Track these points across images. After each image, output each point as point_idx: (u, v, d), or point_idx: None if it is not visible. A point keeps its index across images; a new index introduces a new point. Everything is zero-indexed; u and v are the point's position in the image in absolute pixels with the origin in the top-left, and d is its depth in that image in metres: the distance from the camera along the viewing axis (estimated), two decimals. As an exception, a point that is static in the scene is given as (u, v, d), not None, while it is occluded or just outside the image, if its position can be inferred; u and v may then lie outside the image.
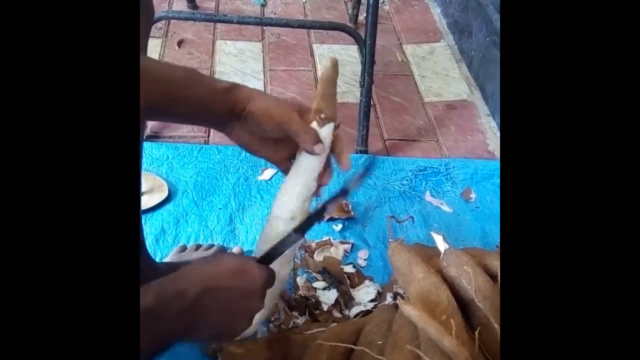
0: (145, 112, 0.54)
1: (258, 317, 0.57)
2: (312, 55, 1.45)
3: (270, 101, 0.56)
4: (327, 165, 0.61)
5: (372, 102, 1.21)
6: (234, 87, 0.56)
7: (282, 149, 0.59)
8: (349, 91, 1.33)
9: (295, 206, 0.60)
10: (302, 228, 0.58)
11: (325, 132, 0.57)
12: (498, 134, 1.26)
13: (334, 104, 0.59)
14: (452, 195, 1.09)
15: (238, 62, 1.39)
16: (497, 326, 0.62)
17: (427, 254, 0.79)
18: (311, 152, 0.56)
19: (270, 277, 0.55)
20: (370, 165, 0.61)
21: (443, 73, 1.45)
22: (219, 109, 0.54)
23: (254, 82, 1.33)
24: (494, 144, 1.24)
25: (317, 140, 0.56)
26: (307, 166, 0.59)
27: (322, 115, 0.57)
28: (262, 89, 1.32)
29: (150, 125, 1.16)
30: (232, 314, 0.52)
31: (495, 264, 0.74)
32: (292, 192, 0.60)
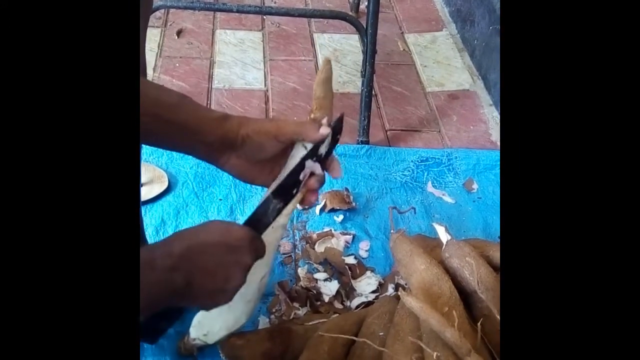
0: None
1: (256, 279, 0.57)
2: (313, 44, 1.43)
3: (262, 121, 0.58)
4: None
5: (373, 92, 1.20)
6: (226, 116, 0.57)
7: (277, 173, 0.60)
8: (350, 81, 1.32)
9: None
10: (280, 191, 0.58)
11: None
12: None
13: (330, 103, 0.60)
14: (454, 186, 1.09)
15: (238, 52, 1.38)
16: (499, 317, 0.61)
17: (429, 245, 0.78)
18: (319, 138, 0.56)
19: (256, 237, 0.55)
20: (337, 126, 0.61)
21: (445, 62, 1.43)
22: (211, 137, 0.55)
23: (254, 71, 1.32)
24: (497, 134, 1.23)
25: (319, 127, 0.56)
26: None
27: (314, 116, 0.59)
28: (262, 78, 1.31)
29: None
30: (222, 268, 0.51)
31: (498, 255, 0.73)
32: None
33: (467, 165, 1.12)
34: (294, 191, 0.59)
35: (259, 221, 0.57)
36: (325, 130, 0.56)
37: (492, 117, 1.28)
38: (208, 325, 0.67)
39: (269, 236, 0.58)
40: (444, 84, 1.36)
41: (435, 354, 0.55)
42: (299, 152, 0.59)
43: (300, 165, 0.58)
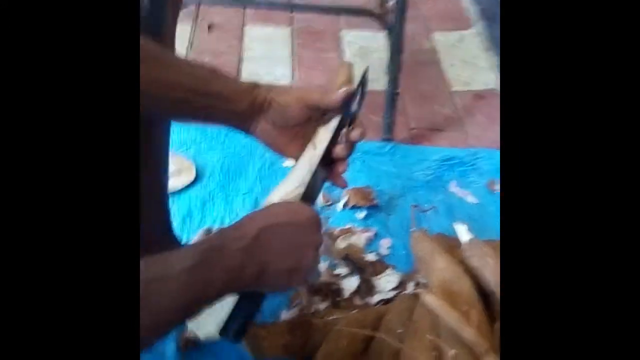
0: (170, 109, 0.56)
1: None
2: (340, 41, 1.44)
3: (289, 88, 0.61)
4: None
5: (398, 90, 1.21)
6: (256, 84, 0.59)
7: (305, 143, 0.61)
8: (375, 79, 1.31)
9: (302, 176, 0.60)
10: (325, 161, 0.59)
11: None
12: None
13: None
14: (477, 186, 1.09)
15: (266, 48, 1.40)
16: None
17: (450, 245, 0.79)
18: (340, 99, 0.57)
19: (317, 214, 0.56)
20: (364, 80, 0.62)
21: (472, 61, 1.42)
22: (242, 104, 0.57)
23: (281, 67, 1.34)
24: (522, 135, 1.22)
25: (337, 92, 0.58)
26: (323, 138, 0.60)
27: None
28: (289, 74, 1.32)
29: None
30: (295, 248, 0.52)
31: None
32: (301, 166, 0.60)
33: (490, 166, 1.11)
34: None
35: (312, 195, 0.58)
36: (344, 91, 0.57)
37: (518, 117, 1.27)
38: (205, 323, 0.68)
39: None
40: (470, 83, 1.36)
41: (452, 351, 0.56)
42: (333, 122, 0.60)
43: (338, 132, 0.59)
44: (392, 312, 0.73)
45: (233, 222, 0.52)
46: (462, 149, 1.15)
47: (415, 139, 1.20)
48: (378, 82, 1.31)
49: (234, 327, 0.52)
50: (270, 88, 0.59)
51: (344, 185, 0.65)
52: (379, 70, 1.35)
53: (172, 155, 1.04)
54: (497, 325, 0.62)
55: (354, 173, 1.08)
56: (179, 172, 1.02)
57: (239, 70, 1.32)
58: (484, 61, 1.43)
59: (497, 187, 1.08)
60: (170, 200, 0.98)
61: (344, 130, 0.60)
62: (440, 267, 0.68)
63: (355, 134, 0.61)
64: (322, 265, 0.92)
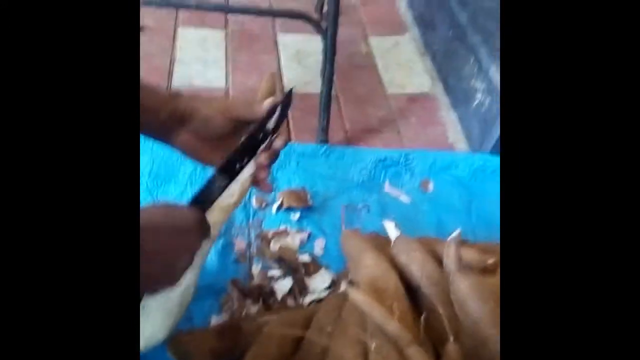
0: None
1: (179, 290, 0.57)
2: (276, 44, 1.44)
3: (213, 99, 0.58)
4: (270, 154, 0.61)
5: (335, 93, 1.21)
6: (177, 93, 0.57)
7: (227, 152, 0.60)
8: (311, 82, 1.32)
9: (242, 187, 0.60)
10: (224, 168, 0.58)
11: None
12: (458, 126, 1.28)
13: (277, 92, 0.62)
14: (410, 186, 1.10)
15: (200, 50, 1.37)
16: (441, 311, 0.62)
17: (381, 243, 0.79)
18: (262, 113, 0.57)
19: (202, 218, 0.54)
20: (287, 100, 0.61)
21: (407, 65, 1.45)
22: (161, 114, 0.55)
23: (216, 70, 1.31)
24: (454, 135, 1.25)
25: (262, 104, 0.57)
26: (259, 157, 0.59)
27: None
28: (223, 77, 1.30)
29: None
30: (167, 251, 0.50)
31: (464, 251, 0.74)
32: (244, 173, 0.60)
33: (423, 166, 1.13)
34: (238, 167, 0.59)
35: (203, 200, 0.57)
36: (267, 104, 0.57)
37: (449, 119, 1.30)
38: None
39: (211, 217, 0.58)
40: (404, 86, 1.38)
41: (373, 344, 0.56)
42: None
43: (246, 141, 0.58)
44: (322, 311, 0.72)
45: None
46: (396, 150, 1.16)
47: (351, 141, 1.20)
48: (314, 85, 1.31)
49: None
50: (193, 98, 0.57)
51: (268, 190, 0.64)
52: (315, 74, 1.35)
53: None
54: (423, 317, 0.63)
55: (288, 175, 1.07)
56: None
57: (170, 73, 1.29)
58: (418, 65, 1.46)
59: (430, 186, 1.10)
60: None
61: (268, 138, 0.59)
62: (368, 264, 0.68)
63: (278, 143, 0.61)
64: (255, 268, 0.90)
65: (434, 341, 0.64)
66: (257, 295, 0.85)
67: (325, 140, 1.15)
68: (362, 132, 1.23)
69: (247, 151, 0.59)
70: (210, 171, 0.60)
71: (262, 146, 0.59)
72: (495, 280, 0.64)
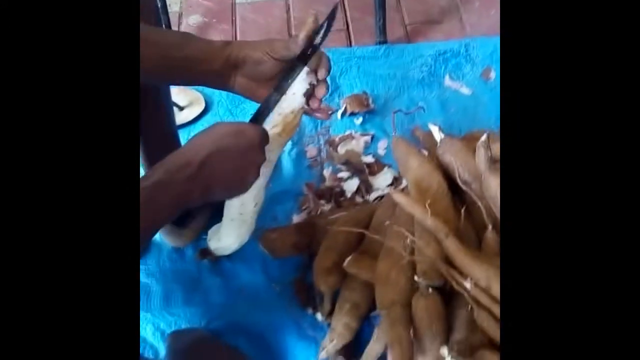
0: (147, 77, 0.61)
1: (265, 170, 0.66)
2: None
3: (258, 41, 0.65)
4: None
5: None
6: (227, 43, 0.64)
7: None
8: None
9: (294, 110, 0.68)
10: (280, 85, 0.65)
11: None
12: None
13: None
14: (471, 77, 1.12)
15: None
16: (480, 204, 0.71)
17: (432, 143, 0.86)
18: (300, 47, 0.62)
19: (264, 133, 0.63)
20: (331, 16, 0.66)
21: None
22: (216, 63, 0.63)
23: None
24: (520, 15, 1.21)
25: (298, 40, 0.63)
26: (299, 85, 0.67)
27: None
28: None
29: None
30: (238, 169, 0.59)
31: (493, 146, 0.80)
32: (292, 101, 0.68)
33: (484, 54, 1.13)
34: (290, 81, 0.65)
35: (262, 116, 0.66)
36: (302, 39, 0.62)
37: (516, -3, 1.24)
38: (219, 245, 0.79)
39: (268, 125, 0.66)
40: (467, -34, 1.32)
41: (409, 238, 0.67)
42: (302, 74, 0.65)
43: (292, 61, 0.64)
44: (380, 210, 0.83)
45: (180, 149, 0.59)
46: (455, 41, 1.16)
47: (411, 36, 1.22)
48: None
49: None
50: (242, 45, 0.64)
51: (326, 117, 0.73)
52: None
53: (183, 91, 1.13)
54: (463, 210, 0.72)
55: (350, 80, 1.14)
56: (190, 104, 1.12)
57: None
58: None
59: (492, 75, 1.11)
60: (187, 130, 1.10)
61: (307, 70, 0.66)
62: (414, 166, 0.77)
63: (320, 91, 0.67)
64: (326, 171, 1.02)
65: (476, 231, 0.73)
66: (329, 196, 0.98)
67: (384, 40, 1.18)
68: (423, 24, 1.24)
69: (297, 67, 0.66)
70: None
71: (303, 73, 0.66)
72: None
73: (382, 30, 1.17)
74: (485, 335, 0.63)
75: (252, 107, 1.12)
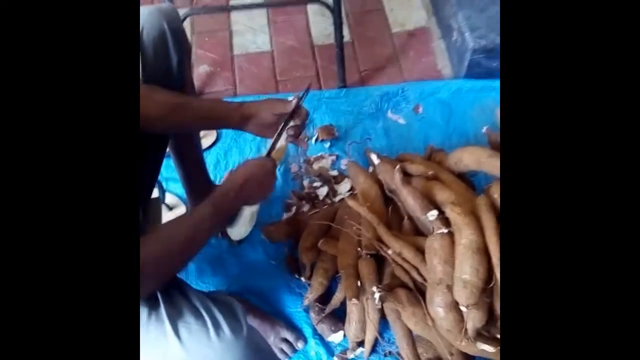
0: (191, 129, 1.01)
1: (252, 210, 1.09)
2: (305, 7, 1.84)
3: (262, 102, 1.04)
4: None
5: (351, 39, 1.65)
6: (242, 104, 1.06)
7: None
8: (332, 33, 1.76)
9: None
10: (279, 131, 1.03)
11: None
12: (445, 53, 1.68)
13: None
14: (406, 111, 1.57)
15: (248, 19, 1.82)
16: (400, 204, 1.16)
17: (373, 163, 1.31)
18: (291, 107, 1.00)
19: (274, 164, 0.97)
20: (303, 95, 1.03)
21: (407, 3, 1.82)
22: (234, 119, 1.02)
23: (262, 36, 1.77)
24: (442, 63, 1.67)
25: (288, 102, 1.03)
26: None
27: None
28: (268, 41, 1.77)
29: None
30: (263, 186, 0.93)
31: (411, 167, 1.25)
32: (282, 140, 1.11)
33: (415, 94, 1.59)
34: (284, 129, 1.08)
35: (270, 151, 1.08)
36: (294, 102, 1.00)
37: (440, 49, 1.70)
38: (234, 232, 1.19)
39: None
40: (405, 24, 1.77)
41: (357, 226, 1.12)
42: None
43: (286, 119, 1.04)
44: (341, 208, 1.28)
45: (231, 173, 0.93)
46: (395, 85, 1.61)
47: (364, 80, 1.66)
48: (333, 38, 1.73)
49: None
50: (251, 105, 1.02)
51: (304, 146, 1.16)
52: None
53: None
54: (390, 208, 1.17)
55: (321, 115, 1.58)
56: (205, 135, 1.55)
57: (231, 45, 1.77)
58: (417, 1, 1.81)
59: (420, 109, 1.56)
60: (205, 154, 1.52)
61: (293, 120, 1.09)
62: (360, 181, 1.22)
63: (300, 118, 1.10)
64: (305, 182, 1.46)
65: (398, 221, 1.19)
66: (308, 199, 1.43)
67: (344, 84, 1.62)
68: (372, 71, 1.68)
69: (289, 119, 1.08)
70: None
71: (291, 121, 1.09)
72: (431, 184, 1.15)
73: (342, 77, 1.61)
74: (399, 280, 1.09)
75: (249, 138, 1.56)
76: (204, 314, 0.75)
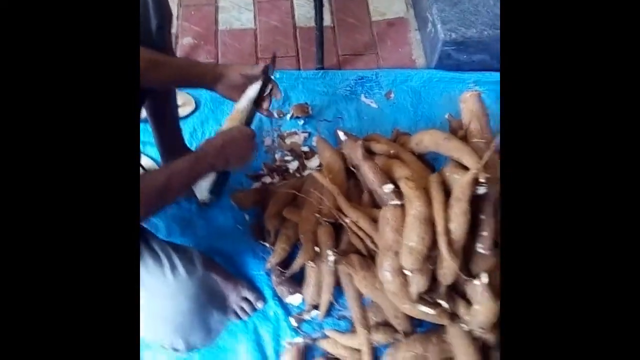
0: (167, 85, 1.08)
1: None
2: (290, -16, 1.91)
3: (231, 65, 1.11)
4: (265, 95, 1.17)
5: (333, 24, 1.72)
6: (216, 64, 1.12)
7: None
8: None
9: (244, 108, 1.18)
10: (255, 104, 1.13)
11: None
12: (420, 44, 1.76)
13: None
14: (379, 96, 1.65)
15: (235, -3, 1.88)
16: (360, 178, 1.24)
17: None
18: (259, 72, 1.10)
19: (253, 132, 1.07)
20: (268, 70, 1.13)
21: (389, -7, 1.89)
22: (207, 78, 1.07)
23: (247, 13, 1.83)
24: (416, 53, 1.75)
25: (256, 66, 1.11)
26: (251, 92, 1.17)
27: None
28: (252, 19, 1.83)
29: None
30: (242, 150, 1.02)
31: (376, 146, 1.33)
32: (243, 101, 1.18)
33: (388, 81, 1.67)
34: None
35: (248, 122, 1.14)
36: (260, 68, 1.08)
37: (415, 39, 1.78)
38: (198, 188, 1.26)
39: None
40: (385, 13, 1.85)
41: (319, 196, 1.20)
42: (257, 84, 1.15)
43: (252, 79, 1.11)
44: (308, 180, 1.36)
45: (211, 137, 1.07)
46: (370, 70, 1.69)
47: (341, 64, 1.73)
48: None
49: (216, 189, 1.14)
50: (224, 65, 1.10)
51: (271, 116, 1.23)
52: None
53: (179, 93, 1.62)
54: (350, 181, 1.25)
55: (297, 93, 1.65)
56: (184, 104, 1.61)
57: (216, 20, 1.83)
58: (398, -8, 1.89)
59: (392, 95, 1.65)
60: (181, 122, 1.58)
61: (267, 87, 1.16)
62: (326, 156, 1.30)
63: (274, 93, 1.17)
64: (277, 155, 1.54)
65: (358, 193, 1.27)
66: (278, 171, 1.50)
67: (321, 67, 1.69)
68: (351, 56, 1.75)
69: (254, 82, 1.14)
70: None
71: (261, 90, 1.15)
72: (391, 162, 1.23)
73: (321, 59, 1.68)
74: (354, 247, 1.17)
75: (228, 108, 1.62)
76: (162, 256, 0.82)
